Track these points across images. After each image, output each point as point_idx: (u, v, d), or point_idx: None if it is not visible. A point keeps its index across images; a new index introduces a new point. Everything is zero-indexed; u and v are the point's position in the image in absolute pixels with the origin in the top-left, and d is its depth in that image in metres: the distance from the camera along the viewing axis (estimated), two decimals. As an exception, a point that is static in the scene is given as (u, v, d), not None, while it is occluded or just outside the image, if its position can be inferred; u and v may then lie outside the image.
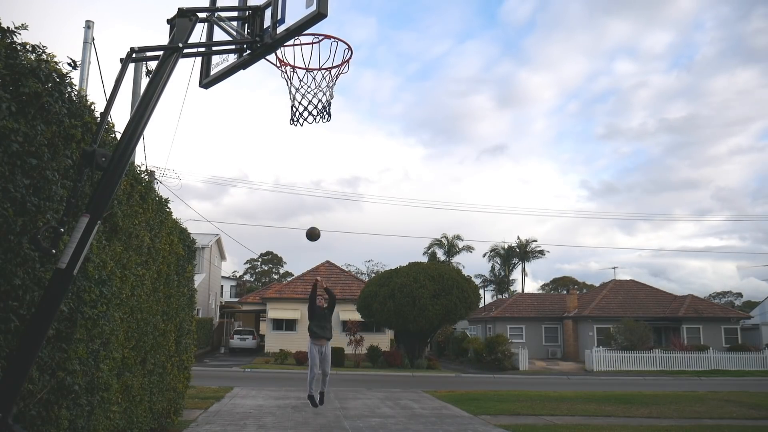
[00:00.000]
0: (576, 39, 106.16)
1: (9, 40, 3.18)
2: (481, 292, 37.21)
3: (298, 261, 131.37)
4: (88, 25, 9.98)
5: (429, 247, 59.54)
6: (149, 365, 6.57)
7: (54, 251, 3.06)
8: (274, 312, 34.96)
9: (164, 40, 3.69)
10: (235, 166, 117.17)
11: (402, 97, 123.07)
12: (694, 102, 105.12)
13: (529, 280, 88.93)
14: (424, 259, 51.46)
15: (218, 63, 4.29)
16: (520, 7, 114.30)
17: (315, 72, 4.41)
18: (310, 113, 4.41)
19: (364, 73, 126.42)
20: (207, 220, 49.56)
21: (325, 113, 4.43)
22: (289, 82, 4.44)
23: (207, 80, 4.34)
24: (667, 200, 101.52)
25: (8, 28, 3.18)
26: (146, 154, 31.56)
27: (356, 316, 31.01)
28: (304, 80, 4.43)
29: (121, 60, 3.41)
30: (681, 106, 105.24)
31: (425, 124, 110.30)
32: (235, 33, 4.03)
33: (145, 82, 10.59)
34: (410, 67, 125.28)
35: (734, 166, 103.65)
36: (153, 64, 3.75)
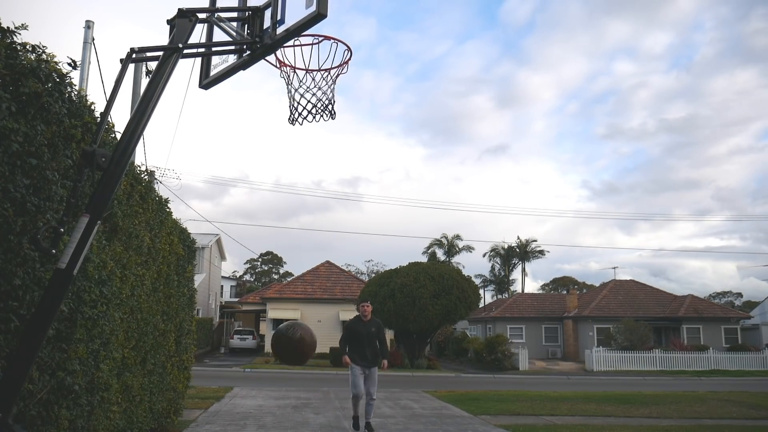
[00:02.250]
0: (576, 39, 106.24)
1: (9, 40, 3.18)
2: (481, 292, 37.20)
3: (298, 261, 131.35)
4: (88, 25, 9.99)
5: (429, 247, 59.63)
6: (149, 365, 6.57)
7: (54, 251, 3.05)
8: (274, 312, 34.96)
9: (164, 40, 3.69)
10: (235, 166, 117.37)
11: (402, 97, 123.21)
12: (693, 102, 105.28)
13: (529, 280, 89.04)
14: (424, 259, 51.52)
15: (218, 63, 4.29)
16: (520, 7, 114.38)
17: (315, 73, 4.42)
18: (309, 112, 4.40)
19: (364, 74, 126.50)
20: (207, 220, 49.62)
21: (326, 112, 4.42)
22: (288, 81, 4.43)
23: (207, 81, 4.34)
24: (667, 200, 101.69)
25: (8, 28, 3.18)
26: (146, 154, 31.57)
27: (356, 316, 31.01)
28: (304, 81, 4.43)
29: (121, 60, 3.41)
30: (681, 107, 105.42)
31: (425, 124, 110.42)
32: (235, 33, 4.04)
33: (145, 82, 10.59)
34: (410, 67, 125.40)
35: (734, 166, 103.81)
36: (153, 65, 3.74)
